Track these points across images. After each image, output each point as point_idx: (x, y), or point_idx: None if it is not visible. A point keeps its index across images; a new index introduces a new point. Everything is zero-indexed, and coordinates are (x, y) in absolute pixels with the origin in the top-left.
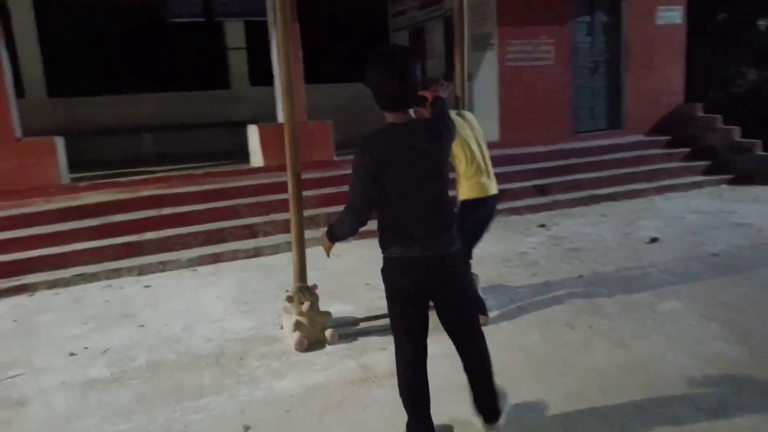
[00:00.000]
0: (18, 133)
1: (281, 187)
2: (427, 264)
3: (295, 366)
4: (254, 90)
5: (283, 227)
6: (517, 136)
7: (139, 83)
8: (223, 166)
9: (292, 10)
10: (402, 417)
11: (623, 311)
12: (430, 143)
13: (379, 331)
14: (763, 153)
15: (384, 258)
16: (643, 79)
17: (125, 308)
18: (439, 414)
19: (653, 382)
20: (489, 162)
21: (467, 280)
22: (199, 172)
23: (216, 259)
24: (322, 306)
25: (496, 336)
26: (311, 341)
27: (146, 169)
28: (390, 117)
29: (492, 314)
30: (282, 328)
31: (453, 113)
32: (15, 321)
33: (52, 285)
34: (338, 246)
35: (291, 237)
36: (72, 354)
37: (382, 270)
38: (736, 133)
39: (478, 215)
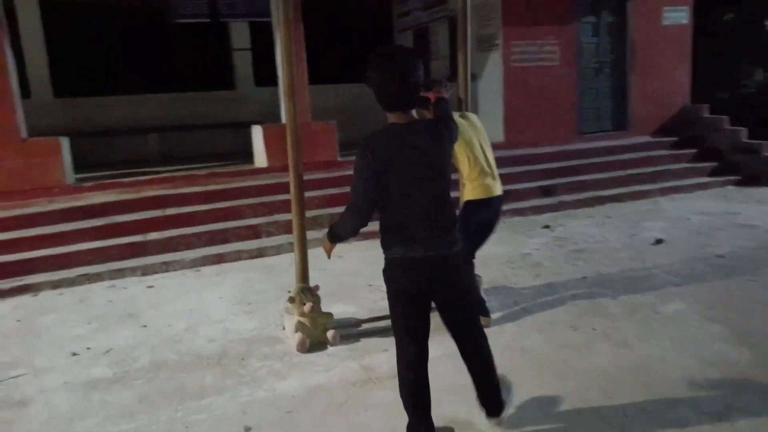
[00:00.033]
0: (23, 133)
1: (285, 188)
2: (428, 264)
3: (297, 367)
4: (259, 91)
5: (287, 228)
6: (521, 136)
7: (145, 84)
8: (228, 166)
9: (296, 10)
10: (404, 418)
11: (627, 313)
12: (431, 144)
13: (381, 333)
14: None
15: (386, 258)
16: (649, 79)
17: (128, 308)
18: (439, 414)
19: (656, 384)
20: (493, 163)
21: (469, 280)
22: (203, 172)
23: (219, 259)
24: (325, 307)
25: (499, 337)
26: (313, 342)
27: (151, 169)
28: (392, 117)
29: (495, 315)
30: (284, 328)
31: (456, 115)
32: (18, 321)
33: (56, 285)
34: (340, 247)
35: (293, 238)
36: (74, 354)
37: (384, 270)
38: (742, 134)
39: (482, 216)
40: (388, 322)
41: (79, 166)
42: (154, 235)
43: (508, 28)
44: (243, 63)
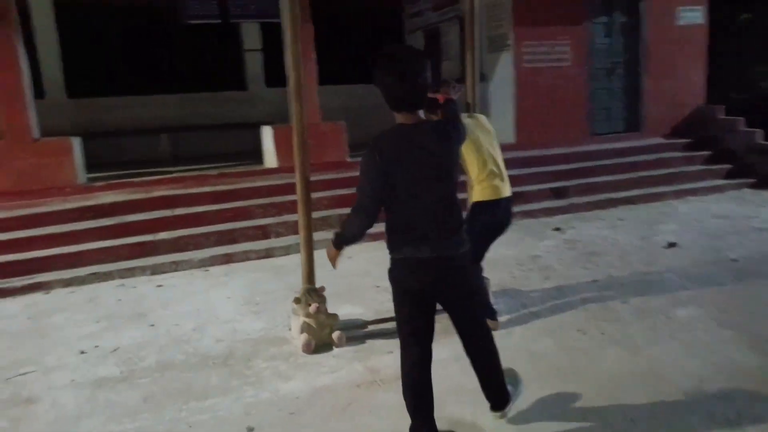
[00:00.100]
0: (35, 133)
1: (294, 188)
2: (435, 265)
3: (302, 368)
4: (270, 91)
5: (295, 228)
6: (533, 138)
7: (157, 84)
8: (238, 166)
9: (305, 10)
10: (408, 421)
11: (637, 317)
12: (439, 144)
13: (387, 334)
14: None
15: (392, 259)
16: (663, 80)
17: (137, 308)
18: (444, 416)
19: (665, 390)
20: (502, 165)
21: (475, 281)
22: (213, 172)
23: (228, 259)
24: (332, 308)
25: (507, 341)
26: (319, 343)
27: (161, 169)
28: (400, 117)
29: (503, 318)
30: (290, 329)
31: (464, 116)
32: (30, 318)
33: (67, 283)
34: (350, 247)
35: (299, 238)
36: (83, 352)
37: (390, 271)
38: (758, 135)
39: (490, 217)
40: (394, 324)
41: (91, 166)
42: (163, 235)
43: (520, 28)
44: (254, 64)
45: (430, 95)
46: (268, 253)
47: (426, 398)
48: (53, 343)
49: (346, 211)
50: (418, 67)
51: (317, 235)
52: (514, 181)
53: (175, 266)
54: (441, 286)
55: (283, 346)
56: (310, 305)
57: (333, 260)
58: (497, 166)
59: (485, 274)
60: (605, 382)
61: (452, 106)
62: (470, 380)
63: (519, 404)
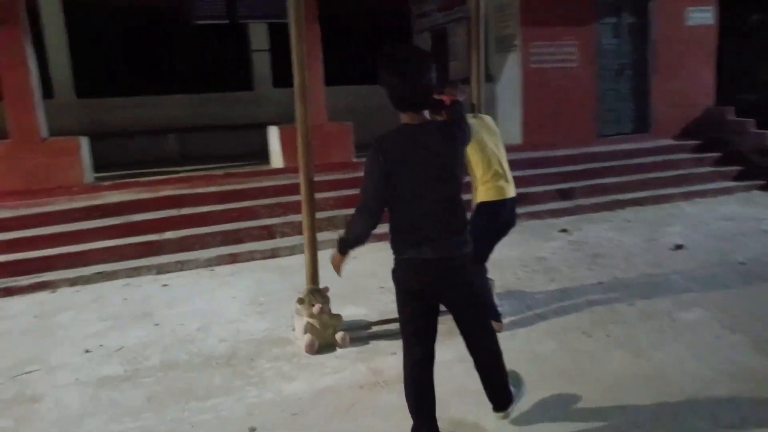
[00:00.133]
0: (43, 132)
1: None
2: (438, 265)
3: (306, 368)
4: (277, 92)
5: (301, 228)
6: (540, 139)
7: (165, 85)
8: (244, 167)
9: (311, 10)
10: (410, 422)
11: (643, 319)
12: (443, 145)
13: (391, 335)
14: None
15: (395, 259)
16: (672, 81)
17: (143, 307)
18: (446, 417)
19: (670, 393)
20: (506, 165)
21: (477, 281)
22: (220, 172)
23: (233, 259)
24: (336, 309)
25: (510, 342)
26: (322, 344)
27: (168, 169)
28: (404, 118)
29: (507, 320)
30: (294, 330)
31: (469, 116)
32: (35, 317)
33: (73, 282)
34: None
35: (303, 238)
36: (87, 351)
37: (393, 271)
38: None
39: (494, 218)
40: (398, 325)
41: (100, 166)
42: (169, 235)
43: (527, 29)
44: (261, 64)
45: (436, 96)
46: (273, 253)
47: (427, 398)
48: (58, 342)
49: (352, 211)
50: (422, 67)
51: (322, 236)
52: (520, 182)
53: (181, 266)
54: (444, 287)
55: (287, 346)
56: (313, 306)
57: (337, 267)
58: (502, 166)
59: (490, 275)
60: (609, 384)
61: (458, 107)
62: (473, 381)
63: (522, 406)
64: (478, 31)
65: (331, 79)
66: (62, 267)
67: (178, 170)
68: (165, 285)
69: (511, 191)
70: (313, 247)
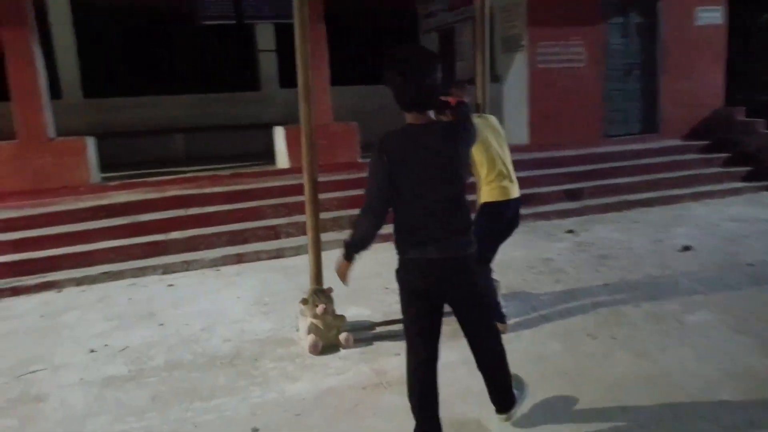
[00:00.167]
0: (50, 132)
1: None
2: (441, 266)
3: (309, 369)
4: (283, 92)
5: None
6: (547, 139)
7: (172, 85)
8: (250, 167)
9: (317, 11)
10: (413, 423)
11: (649, 321)
12: (446, 145)
13: (395, 336)
14: None
15: (399, 260)
16: (681, 81)
17: (148, 307)
18: (450, 419)
19: (675, 396)
20: (511, 166)
21: (481, 282)
22: (226, 172)
23: (239, 259)
24: (339, 309)
25: (515, 344)
26: (326, 344)
27: (175, 169)
28: (409, 117)
29: (512, 321)
30: (298, 330)
31: (474, 116)
32: (41, 317)
33: (79, 282)
34: None
35: (307, 239)
36: (92, 351)
37: (397, 271)
38: None
39: (499, 219)
40: (401, 326)
41: (107, 165)
42: (175, 235)
43: (534, 28)
44: (268, 64)
45: (442, 97)
46: (278, 254)
47: (430, 399)
48: (63, 342)
49: (358, 211)
50: (427, 67)
51: (327, 236)
52: (527, 182)
53: (187, 266)
54: (447, 287)
55: (291, 346)
56: (317, 306)
57: (343, 275)
58: (506, 167)
59: (495, 276)
60: (614, 386)
61: (464, 107)
62: (477, 383)
63: (525, 407)
64: (483, 31)
65: (337, 79)
66: (68, 267)
67: (184, 170)
68: (170, 285)
69: (515, 192)
70: (317, 248)
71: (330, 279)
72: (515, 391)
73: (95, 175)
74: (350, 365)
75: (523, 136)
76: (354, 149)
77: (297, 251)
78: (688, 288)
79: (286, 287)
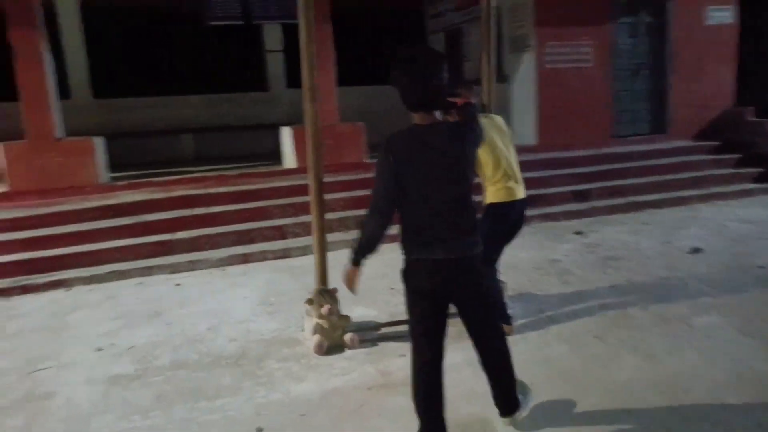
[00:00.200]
0: (58, 132)
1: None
2: (447, 266)
3: (314, 369)
4: (291, 92)
5: None
6: (555, 139)
7: (180, 85)
8: (257, 167)
9: (324, 11)
10: (417, 425)
11: (657, 324)
12: (452, 145)
13: (400, 337)
14: None
15: (405, 260)
16: (690, 81)
17: (155, 306)
18: (455, 421)
19: (682, 400)
20: (516, 167)
21: (486, 282)
22: (233, 173)
23: (245, 259)
24: (345, 310)
25: (521, 346)
26: (331, 345)
27: (183, 169)
28: (415, 118)
29: (518, 323)
30: (303, 330)
31: (481, 116)
32: (50, 315)
33: (87, 281)
34: None
35: (312, 239)
36: (99, 350)
37: (403, 272)
38: None
39: (504, 219)
40: (407, 327)
41: (116, 165)
42: (182, 234)
43: (541, 28)
44: (275, 65)
45: (449, 99)
46: (285, 254)
47: (435, 399)
48: (71, 340)
49: (364, 212)
50: (433, 67)
51: (334, 237)
52: (534, 183)
53: (194, 265)
54: (453, 287)
55: (296, 347)
56: (322, 306)
57: (351, 282)
58: (511, 167)
59: (502, 277)
60: (620, 390)
61: (470, 108)
62: (482, 385)
63: (530, 403)
64: (489, 31)
65: (344, 80)
66: (77, 266)
67: (191, 170)
68: (177, 284)
69: (521, 192)
70: (323, 248)
71: (336, 280)
72: (519, 396)
73: (103, 174)
74: (355, 366)
75: (530, 137)
76: (361, 149)
77: (303, 251)
78: (696, 290)
79: (292, 287)
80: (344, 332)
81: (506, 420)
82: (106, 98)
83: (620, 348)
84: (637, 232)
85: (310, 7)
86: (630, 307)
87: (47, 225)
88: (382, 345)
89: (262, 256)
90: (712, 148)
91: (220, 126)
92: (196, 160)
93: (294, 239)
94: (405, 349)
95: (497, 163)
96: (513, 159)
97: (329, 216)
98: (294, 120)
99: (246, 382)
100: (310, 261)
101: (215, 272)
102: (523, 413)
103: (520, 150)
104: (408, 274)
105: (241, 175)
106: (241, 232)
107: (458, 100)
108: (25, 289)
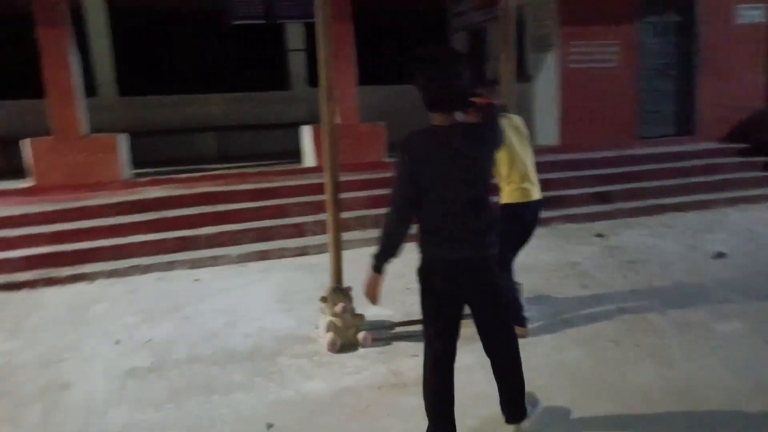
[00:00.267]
0: (84, 129)
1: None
2: (462, 266)
3: (326, 367)
4: (312, 91)
5: None
6: (578, 140)
7: (204, 84)
8: (278, 165)
9: (345, 10)
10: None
11: (676, 330)
12: (471, 146)
13: (414, 337)
14: None
15: (421, 258)
16: (719, 82)
17: (174, 301)
18: (463, 422)
19: (700, 408)
20: (532, 168)
21: (501, 283)
22: (254, 170)
23: (264, 256)
24: (360, 308)
25: (536, 349)
26: (344, 343)
27: (205, 167)
28: (435, 118)
29: (534, 326)
30: (317, 328)
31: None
32: (72, 308)
33: (109, 275)
34: None
35: (328, 238)
36: (117, 342)
37: (418, 270)
38: None
39: (519, 220)
40: (420, 327)
41: (140, 162)
42: (203, 230)
43: (566, 28)
44: (297, 63)
45: (471, 99)
46: (303, 251)
47: (445, 398)
48: (91, 332)
49: (382, 211)
50: (454, 68)
51: (352, 235)
52: (556, 184)
53: (214, 261)
54: (467, 287)
55: (309, 344)
56: (336, 304)
57: (373, 291)
58: (527, 168)
59: (520, 279)
60: (636, 396)
61: (492, 109)
62: (492, 388)
63: (537, 414)
64: (509, 30)
65: (366, 79)
66: (100, 259)
67: (213, 168)
68: (197, 280)
69: (536, 194)
70: (338, 246)
71: (351, 278)
72: (528, 407)
73: (127, 171)
74: (367, 365)
75: (553, 137)
76: (380, 149)
77: (321, 249)
78: (719, 296)
79: (308, 285)
80: (358, 331)
81: (511, 428)
82: (131, 96)
83: (637, 353)
84: (661, 235)
85: (328, 6)
86: (649, 311)
87: (71, 219)
88: (396, 344)
89: (281, 254)
90: (741, 151)
91: (242, 124)
92: (220, 158)
93: (312, 237)
94: (418, 349)
95: (513, 163)
96: (529, 160)
97: (348, 215)
98: (315, 119)
99: (258, 378)
100: (327, 259)
101: (234, 268)
102: (530, 422)
103: (543, 150)
104: (423, 273)
105: (261, 173)
106: (261, 229)
107: (480, 100)
108: (49, 282)
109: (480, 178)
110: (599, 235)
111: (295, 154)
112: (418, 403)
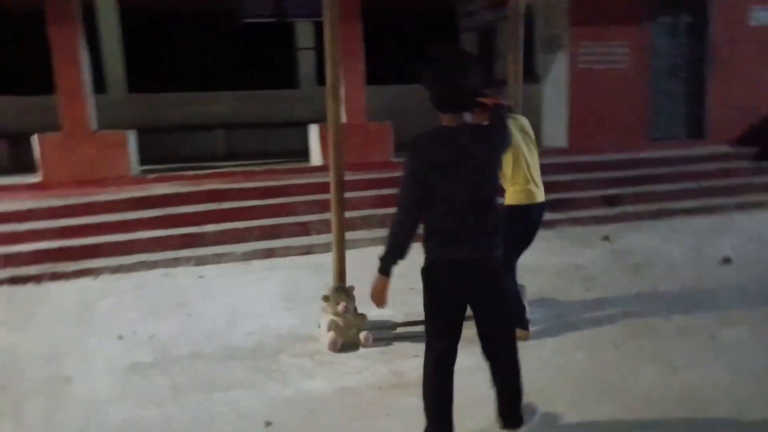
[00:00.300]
0: (93, 126)
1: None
2: (467, 267)
3: (327, 366)
4: (321, 90)
5: None
6: (587, 142)
7: (214, 82)
8: (286, 163)
9: (354, 9)
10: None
11: (680, 335)
12: (478, 148)
13: (415, 337)
14: None
15: (426, 258)
16: (731, 84)
17: (178, 297)
18: (461, 424)
19: (702, 414)
20: (537, 170)
21: (505, 285)
22: (261, 168)
23: (269, 254)
24: (362, 308)
25: (537, 352)
26: (345, 342)
27: (213, 164)
28: (444, 119)
29: (536, 328)
30: (319, 327)
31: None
32: (77, 303)
33: (115, 270)
34: None
35: (332, 237)
36: (121, 337)
37: (423, 270)
38: None
39: (522, 222)
40: (421, 328)
41: (148, 159)
42: (209, 228)
43: (576, 28)
44: (307, 62)
45: (480, 100)
46: (308, 250)
47: (444, 398)
48: (95, 328)
49: (388, 210)
50: (463, 69)
51: (358, 234)
52: (563, 186)
53: (218, 258)
54: (471, 287)
55: (311, 343)
56: (338, 304)
57: (381, 294)
58: (532, 170)
59: (523, 281)
60: (637, 401)
61: (500, 110)
62: (492, 391)
63: (535, 421)
64: (517, 30)
65: (375, 78)
66: (105, 255)
67: (221, 165)
68: (201, 276)
69: (540, 196)
70: (341, 245)
71: (360, 278)
72: (525, 416)
73: (135, 167)
74: (368, 364)
75: (562, 139)
76: (387, 148)
77: (327, 248)
78: (725, 301)
79: (312, 284)
80: (359, 330)
81: None
82: (140, 93)
83: (640, 358)
84: (668, 239)
85: (336, 6)
86: (654, 316)
87: (78, 215)
88: (397, 345)
89: (286, 252)
90: (753, 155)
91: (250, 123)
92: (227, 156)
93: (317, 236)
94: (419, 349)
95: (518, 165)
96: (534, 162)
97: (354, 214)
98: (323, 118)
99: (259, 376)
100: (332, 258)
101: (239, 266)
102: (526, 428)
103: (551, 152)
104: (427, 273)
105: (268, 171)
106: (266, 227)
107: (488, 101)
108: (55, 276)
109: (488, 180)
110: (606, 239)
111: (303, 153)
112: (419, 403)
